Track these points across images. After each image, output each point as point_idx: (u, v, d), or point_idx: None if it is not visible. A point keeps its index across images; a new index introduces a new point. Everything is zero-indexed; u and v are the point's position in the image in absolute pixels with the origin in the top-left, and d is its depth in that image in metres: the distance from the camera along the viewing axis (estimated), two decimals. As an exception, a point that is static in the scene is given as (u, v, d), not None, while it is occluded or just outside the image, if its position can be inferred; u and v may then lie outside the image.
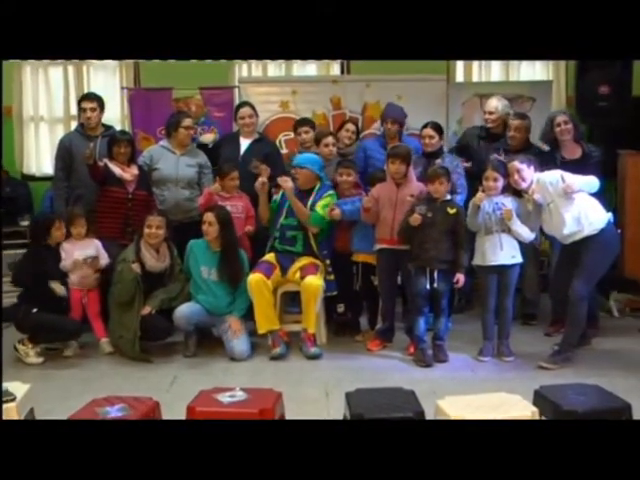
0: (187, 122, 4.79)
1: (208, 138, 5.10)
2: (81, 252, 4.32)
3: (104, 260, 4.40)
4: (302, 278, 4.23)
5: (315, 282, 4.19)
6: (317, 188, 4.42)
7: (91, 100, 4.78)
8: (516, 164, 3.97)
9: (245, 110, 4.95)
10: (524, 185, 3.97)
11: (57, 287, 4.23)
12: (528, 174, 3.95)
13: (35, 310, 4.15)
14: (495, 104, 4.86)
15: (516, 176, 3.96)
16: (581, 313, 3.93)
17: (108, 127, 4.90)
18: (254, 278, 4.19)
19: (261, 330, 4.22)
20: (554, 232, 4.02)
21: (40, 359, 4.14)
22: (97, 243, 4.42)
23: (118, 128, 5.45)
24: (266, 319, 4.21)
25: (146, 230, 4.25)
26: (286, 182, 4.32)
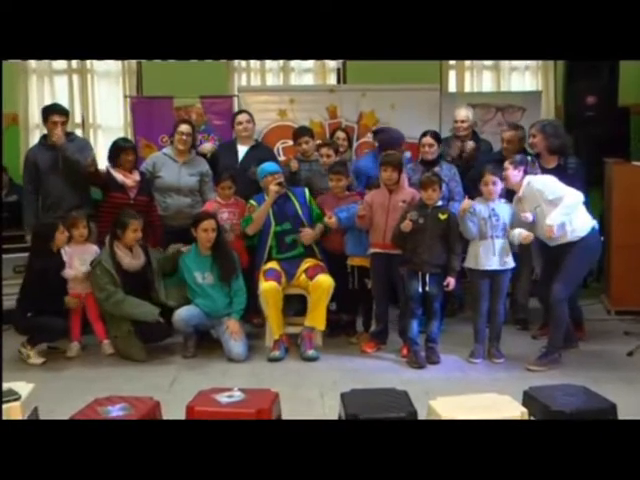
0: (182, 128, 4.84)
1: (206, 148, 5.15)
2: (80, 257, 4.36)
3: None
4: (311, 278, 4.28)
5: (327, 280, 4.27)
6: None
7: (63, 114, 4.71)
8: (505, 164, 4.08)
9: (242, 115, 5.06)
10: (509, 184, 4.06)
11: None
12: (515, 174, 4.02)
13: (30, 314, 4.23)
14: (466, 113, 5.00)
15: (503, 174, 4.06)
16: (561, 315, 4.00)
17: (69, 133, 4.88)
18: (268, 286, 4.22)
19: (276, 336, 4.27)
20: (540, 234, 4.07)
21: (41, 360, 4.22)
22: (95, 249, 4.45)
23: (121, 135, 5.54)
24: (279, 325, 4.29)
25: (132, 234, 4.29)
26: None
